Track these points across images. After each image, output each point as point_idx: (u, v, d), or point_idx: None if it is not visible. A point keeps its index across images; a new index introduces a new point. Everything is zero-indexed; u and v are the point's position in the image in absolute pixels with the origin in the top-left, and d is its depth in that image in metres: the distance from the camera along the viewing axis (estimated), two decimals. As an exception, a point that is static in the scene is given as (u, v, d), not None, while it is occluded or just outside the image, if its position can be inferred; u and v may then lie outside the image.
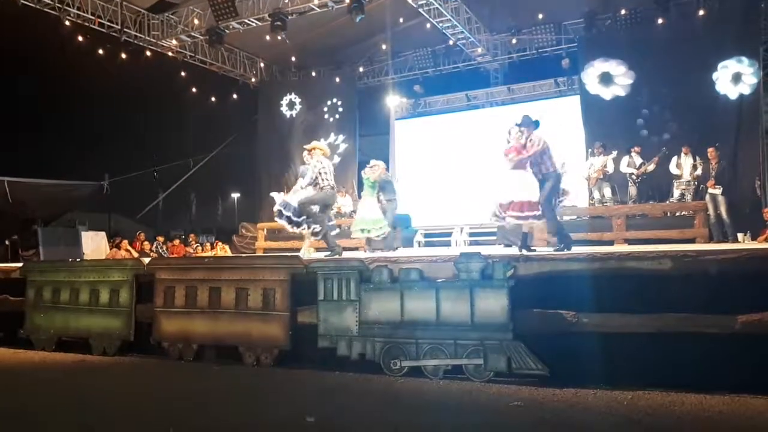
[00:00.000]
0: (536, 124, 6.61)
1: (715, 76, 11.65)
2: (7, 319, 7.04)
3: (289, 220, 7.62)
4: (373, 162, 8.98)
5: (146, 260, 6.68)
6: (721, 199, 9.42)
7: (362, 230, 8.55)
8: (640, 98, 12.58)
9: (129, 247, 12.41)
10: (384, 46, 15.85)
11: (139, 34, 13.93)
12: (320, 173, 7.48)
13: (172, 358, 5.82)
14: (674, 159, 10.84)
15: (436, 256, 5.73)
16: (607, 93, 12.81)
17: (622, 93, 12.67)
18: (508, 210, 6.35)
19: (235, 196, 20.08)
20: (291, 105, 17.38)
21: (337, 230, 8.36)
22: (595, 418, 3.74)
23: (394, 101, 17.07)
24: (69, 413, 3.98)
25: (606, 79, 12.79)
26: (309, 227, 7.71)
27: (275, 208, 7.72)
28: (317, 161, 7.54)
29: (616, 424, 3.60)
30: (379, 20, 13.97)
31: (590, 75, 12.93)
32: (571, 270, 4.95)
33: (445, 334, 4.77)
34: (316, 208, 7.55)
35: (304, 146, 8.03)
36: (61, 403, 4.29)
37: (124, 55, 13.79)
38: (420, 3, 12.46)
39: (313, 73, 17.07)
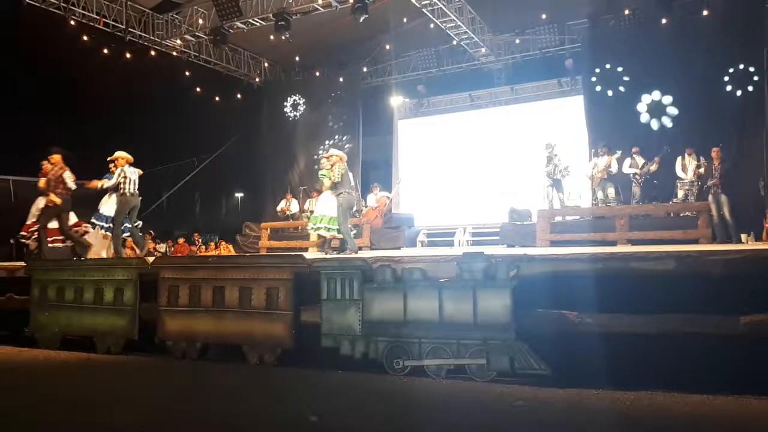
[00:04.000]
0: None
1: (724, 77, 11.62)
2: (11, 318, 7.08)
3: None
4: (332, 151, 8.57)
5: (150, 259, 6.70)
6: (724, 199, 9.40)
7: (314, 228, 8.32)
8: (641, 98, 12.58)
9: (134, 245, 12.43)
10: (387, 46, 15.87)
11: (143, 34, 13.99)
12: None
13: (175, 357, 5.84)
14: (678, 160, 10.82)
15: (439, 255, 5.75)
16: (655, 123, 12.57)
17: (670, 125, 12.41)
18: None
19: (239, 195, 20.10)
20: (295, 105, 17.43)
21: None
22: (598, 418, 3.74)
23: (397, 101, 17.08)
24: (73, 411, 3.99)
25: (657, 109, 12.56)
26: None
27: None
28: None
29: (619, 425, 3.60)
30: (382, 20, 13.99)
31: (643, 103, 12.69)
32: (574, 270, 4.95)
33: (447, 334, 4.78)
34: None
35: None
36: (66, 401, 4.31)
37: (128, 55, 13.86)
38: (423, 3, 12.47)
39: (317, 73, 17.10)
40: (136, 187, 8.30)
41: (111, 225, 8.38)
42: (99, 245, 8.69)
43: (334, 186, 8.05)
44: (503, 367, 4.59)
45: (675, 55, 12.16)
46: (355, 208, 8.50)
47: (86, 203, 8.94)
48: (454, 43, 14.55)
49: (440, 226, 14.69)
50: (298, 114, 17.41)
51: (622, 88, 12.95)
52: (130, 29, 13.55)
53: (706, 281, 4.53)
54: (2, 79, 13.14)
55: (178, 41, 14.61)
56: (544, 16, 14.15)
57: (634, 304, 4.58)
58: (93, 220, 8.62)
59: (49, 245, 8.35)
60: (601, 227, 10.33)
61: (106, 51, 13.56)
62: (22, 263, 7.59)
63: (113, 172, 8.36)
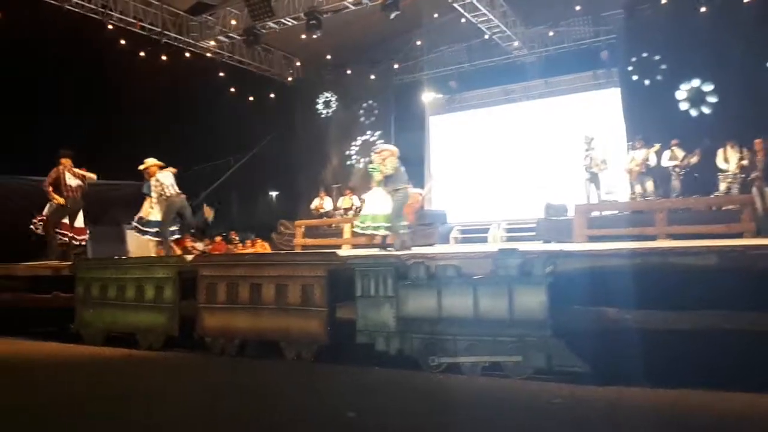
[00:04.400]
0: None
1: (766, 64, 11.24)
2: (58, 315, 7.32)
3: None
4: (382, 146, 8.17)
5: (189, 257, 6.84)
6: (769, 192, 9.12)
7: (362, 227, 7.96)
8: (681, 96, 12.27)
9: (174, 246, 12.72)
10: (419, 42, 15.84)
11: (178, 36, 14.27)
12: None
13: (215, 353, 5.96)
14: (720, 152, 10.53)
15: (474, 252, 5.72)
16: (694, 111, 12.30)
17: (708, 111, 12.10)
18: None
19: (274, 194, 20.33)
20: (327, 104, 17.54)
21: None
22: (638, 416, 3.68)
23: (429, 97, 17.03)
24: (118, 405, 4.11)
25: (696, 99, 12.28)
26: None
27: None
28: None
29: (660, 423, 3.54)
30: (413, 16, 13.95)
31: (682, 91, 12.42)
32: (612, 266, 4.87)
33: (483, 331, 4.76)
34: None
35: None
36: (111, 395, 4.44)
37: (164, 57, 14.14)
38: (455, -2, 12.40)
39: (349, 71, 17.16)
40: (176, 187, 8.39)
41: (158, 230, 8.46)
42: (144, 250, 8.90)
43: (386, 182, 7.64)
44: (540, 365, 4.55)
45: (714, 44, 11.80)
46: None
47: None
48: (486, 37, 14.43)
49: (474, 222, 14.59)
50: (330, 112, 17.52)
51: (659, 78, 12.64)
52: (165, 32, 13.83)
53: (751, 277, 4.40)
54: (44, 83, 13.55)
55: (212, 42, 14.85)
56: (578, 8, 13.89)
57: (674, 301, 4.48)
58: (139, 227, 8.68)
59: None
60: (639, 222, 10.12)
61: (142, 54, 13.87)
62: (68, 262, 7.83)
63: (148, 179, 8.51)
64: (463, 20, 13.58)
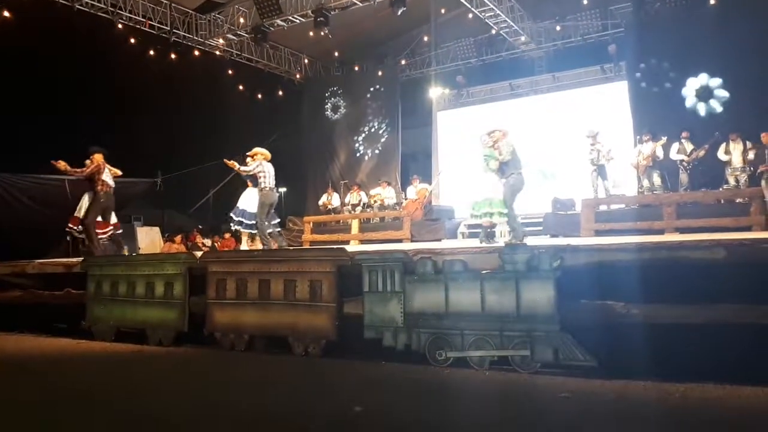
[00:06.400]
0: None
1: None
2: (70, 311, 7.40)
3: None
4: (491, 128, 7.47)
5: (198, 254, 6.89)
6: (778, 185, 9.06)
7: (478, 214, 7.36)
8: (687, 82, 12.17)
9: (180, 243, 12.82)
10: (426, 38, 15.83)
11: (187, 35, 14.34)
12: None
13: (224, 348, 6.00)
14: (722, 146, 10.48)
15: (481, 247, 5.73)
16: (702, 107, 12.17)
17: (719, 109, 11.98)
18: None
19: (282, 190, 20.40)
20: (335, 100, 17.56)
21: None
22: (647, 410, 3.68)
23: (436, 92, 17.00)
24: (129, 398, 4.17)
25: (705, 92, 12.14)
26: None
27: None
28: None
29: (668, 417, 3.54)
30: (420, 12, 13.97)
31: (690, 87, 12.30)
32: (620, 260, 4.86)
33: (490, 326, 4.77)
34: None
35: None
36: (122, 389, 4.50)
37: (173, 56, 14.21)
38: (461, -7, 12.38)
39: (356, 68, 17.19)
40: (274, 182, 8.42)
41: (254, 222, 8.45)
42: (154, 248, 8.97)
43: (502, 167, 7.04)
44: (547, 359, 4.56)
45: (723, 37, 11.68)
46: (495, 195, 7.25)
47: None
48: (493, 32, 14.38)
49: (482, 217, 14.56)
50: (338, 109, 17.55)
51: (667, 72, 12.55)
52: (174, 30, 13.89)
53: (760, 270, 4.38)
54: (55, 82, 13.68)
55: (221, 40, 14.90)
56: (585, 2, 13.83)
57: (682, 295, 4.47)
58: (235, 217, 8.72)
59: (77, 235, 8.79)
60: (647, 216, 10.08)
61: (152, 52, 13.95)
62: (79, 259, 7.90)
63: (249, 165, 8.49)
64: (470, 15, 13.55)
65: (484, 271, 4.99)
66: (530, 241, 6.72)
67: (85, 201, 8.86)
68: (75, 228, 8.91)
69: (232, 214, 8.72)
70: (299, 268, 5.79)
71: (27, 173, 11.97)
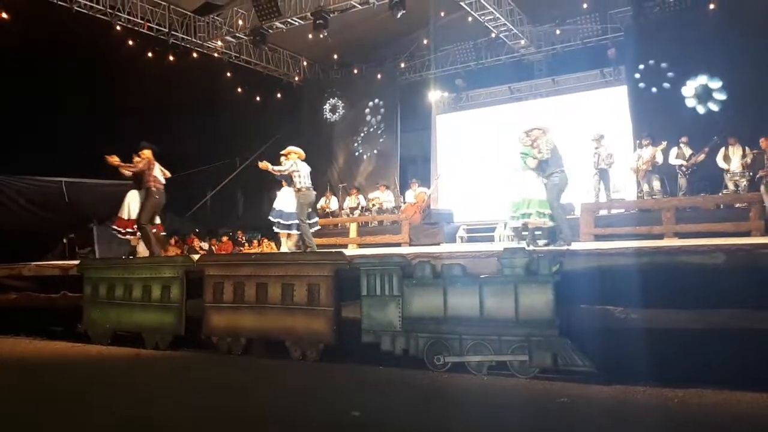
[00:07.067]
0: None
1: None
2: (66, 314, 7.36)
3: None
4: (529, 126, 7.21)
5: (196, 257, 6.86)
6: (777, 190, 9.05)
7: (518, 215, 6.96)
8: (688, 92, 12.19)
9: (176, 245, 12.78)
10: (425, 41, 15.81)
11: (186, 36, 14.32)
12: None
13: (221, 352, 5.98)
14: (721, 151, 10.47)
15: (479, 251, 5.71)
16: (701, 109, 12.15)
17: (716, 108, 11.95)
18: None
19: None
20: (333, 103, 17.55)
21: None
22: (646, 415, 3.67)
23: (435, 96, 16.99)
24: (125, 402, 4.13)
25: (704, 96, 12.13)
26: None
27: None
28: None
29: (667, 422, 3.52)
30: (420, 15, 13.94)
31: (689, 88, 12.29)
32: (618, 265, 4.85)
33: (489, 330, 4.75)
34: None
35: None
36: (118, 393, 4.46)
37: (171, 57, 14.20)
38: (461, -4, 12.37)
39: (355, 70, 17.17)
40: (310, 181, 8.28)
41: (290, 222, 8.32)
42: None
43: (543, 166, 6.79)
44: (546, 364, 4.54)
45: (722, 42, 11.69)
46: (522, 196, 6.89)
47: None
48: (493, 35, 14.37)
49: (480, 221, 14.55)
50: (336, 112, 17.54)
51: (667, 77, 12.56)
52: (173, 32, 13.87)
53: (759, 275, 4.36)
54: (53, 83, 13.64)
55: (219, 43, 14.89)
56: (585, 6, 13.83)
57: (681, 300, 4.45)
58: (273, 219, 8.50)
59: (120, 237, 8.15)
60: (646, 220, 10.07)
61: (150, 54, 13.93)
62: (76, 262, 7.87)
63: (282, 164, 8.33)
64: (469, 19, 13.53)
65: (482, 276, 4.97)
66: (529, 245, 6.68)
67: (130, 200, 8.16)
68: (121, 230, 8.14)
69: (270, 217, 8.54)
70: (297, 272, 5.77)
71: (24, 175, 11.94)
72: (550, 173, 6.74)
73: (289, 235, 8.56)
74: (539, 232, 7.06)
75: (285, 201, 8.50)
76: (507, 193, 7.51)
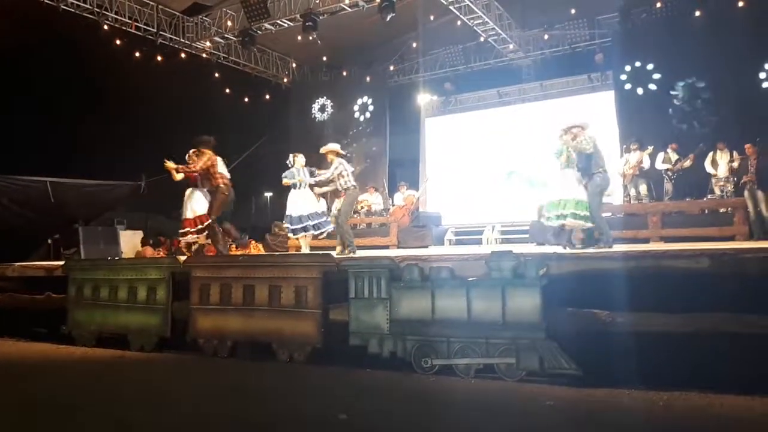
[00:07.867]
0: None
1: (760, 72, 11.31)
2: (50, 316, 7.27)
3: None
4: (568, 124, 7.07)
5: (182, 258, 6.82)
6: (761, 195, 9.15)
7: (555, 216, 6.72)
8: (675, 93, 12.31)
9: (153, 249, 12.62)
10: (414, 44, 15.85)
11: (174, 37, 14.23)
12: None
13: (207, 355, 5.93)
14: (709, 155, 10.59)
15: (467, 254, 5.72)
16: (688, 113, 12.23)
17: (702, 113, 12.02)
18: None
19: (268, 195, 20.30)
20: (322, 105, 17.52)
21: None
22: (631, 418, 3.69)
23: (424, 99, 17.04)
24: (109, 406, 4.09)
25: (690, 99, 12.22)
26: None
27: None
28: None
29: (652, 425, 3.54)
30: (409, 18, 13.98)
31: (676, 93, 12.37)
32: (605, 269, 4.88)
33: (476, 333, 4.76)
34: None
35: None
36: (102, 395, 4.42)
37: (159, 58, 14.10)
38: (450, 0, 12.41)
39: (344, 73, 17.16)
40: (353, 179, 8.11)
41: (299, 226, 8.42)
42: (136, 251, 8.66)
43: (585, 165, 6.68)
44: (533, 367, 4.55)
45: (709, 48, 11.86)
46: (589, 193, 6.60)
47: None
48: (482, 39, 14.44)
49: (468, 224, 14.61)
50: (325, 114, 17.51)
51: (653, 82, 12.70)
52: (161, 32, 13.78)
53: (743, 280, 4.42)
54: (38, 83, 13.51)
55: (208, 43, 14.82)
56: (573, 11, 13.95)
57: (667, 304, 4.49)
58: (292, 227, 8.58)
59: (192, 237, 7.79)
60: (633, 225, 10.15)
61: (138, 54, 13.83)
62: (60, 263, 7.78)
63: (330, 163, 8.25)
64: (458, 23, 13.59)
65: (470, 279, 4.98)
66: (517, 249, 6.71)
67: (192, 199, 7.74)
68: (191, 229, 7.64)
69: (286, 225, 8.46)
70: (284, 274, 5.74)
71: (7, 174, 11.78)
72: (592, 173, 6.60)
73: (305, 236, 8.51)
74: (569, 233, 6.88)
75: (294, 205, 8.47)
76: (542, 194, 7.47)
